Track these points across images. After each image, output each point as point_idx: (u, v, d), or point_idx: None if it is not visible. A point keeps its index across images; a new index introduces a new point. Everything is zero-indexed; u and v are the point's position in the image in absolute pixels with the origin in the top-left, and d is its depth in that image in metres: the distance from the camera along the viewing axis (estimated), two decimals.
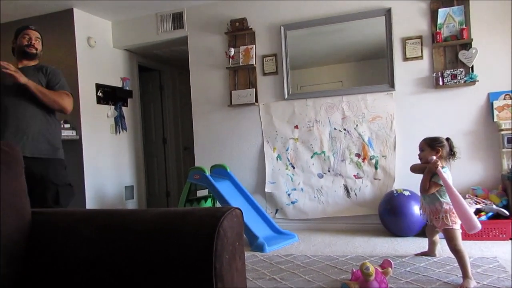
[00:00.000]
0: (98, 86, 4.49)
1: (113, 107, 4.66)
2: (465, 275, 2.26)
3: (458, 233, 2.38)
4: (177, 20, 4.48)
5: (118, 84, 4.79)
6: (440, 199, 2.43)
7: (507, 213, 3.14)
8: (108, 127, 4.62)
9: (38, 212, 1.22)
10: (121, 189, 4.75)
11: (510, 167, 3.32)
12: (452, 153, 2.50)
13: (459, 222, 2.39)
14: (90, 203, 4.26)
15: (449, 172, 2.44)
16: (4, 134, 2.55)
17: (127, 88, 4.87)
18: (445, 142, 2.50)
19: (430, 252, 2.80)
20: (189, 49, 4.47)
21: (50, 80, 2.72)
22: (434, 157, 2.43)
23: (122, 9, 4.40)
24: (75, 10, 4.24)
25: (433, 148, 2.49)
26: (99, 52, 4.55)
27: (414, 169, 2.63)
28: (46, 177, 2.63)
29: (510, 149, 3.34)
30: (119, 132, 4.75)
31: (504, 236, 3.11)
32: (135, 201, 4.96)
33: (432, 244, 2.78)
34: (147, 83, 5.66)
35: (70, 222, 1.17)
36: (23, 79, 2.51)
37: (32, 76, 2.64)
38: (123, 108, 4.81)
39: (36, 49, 2.76)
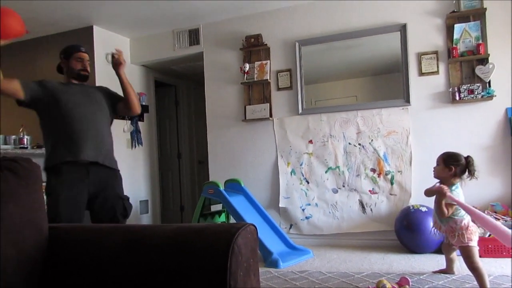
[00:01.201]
0: None
1: (129, 122, 4.73)
2: None
3: (475, 250, 2.34)
4: (194, 36, 4.57)
5: None
6: (455, 217, 2.40)
7: None
8: (124, 142, 4.68)
9: (55, 227, 1.24)
10: (136, 203, 4.78)
11: None
12: (469, 172, 2.43)
13: (475, 239, 2.36)
14: None
15: (460, 190, 2.41)
16: (86, 144, 2.63)
17: (144, 103, 4.94)
18: (462, 161, 2.44)
19: (448, 270, 2.73)
20: (204, 65, 4.54)
21: (112, 94, 2.93)
22: (438, 185, 2.40)
23: (140, 26, 4.51)
24: (95, 27, 4.36)
25: (447, 165, 2.45)
26: None
27: (428, 192, 2.57)
28: (114, 190, 2.75)
29: None
30: (135, 147, 4.81)
31: None
32: (149, 216, 4.98)
33: (449, 262, 2.72)
34: (163, 98, 5.73)
35: (87, 238, 1.18)
36: (123, 69, 2.84)
37: (92, 93, 2.81)
38: (139, 123, 4.88)
39: (88, 72, 2.85)
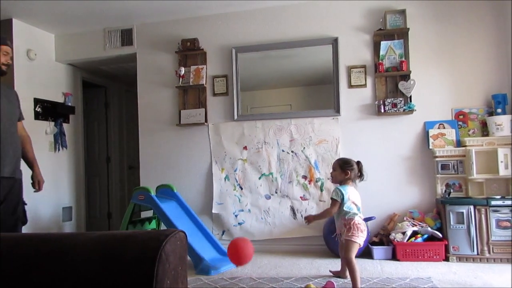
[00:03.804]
0: (37, 101, 4.25)
1: (53, 123, 4.43)
2: (354, 287, 2.49)
3: (355, 246, 2.60)
4: (126, 36, 4.40)
5: (60, 99, 4.57)
6: (345, 217, 2.65)
7: (441, 235, 3.32)
8: (46, 144, 4.36)
9: None
10: (58, 211, 4.47)
11: (443, 191, 3.54)
12: (360, 175, 2.76)
13: (361, 237, 2.61)
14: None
15: (351, 189, 2.70)
16: (6, 159, 2.55)
17: (69, 104, 4.66)
18: (355, 166, 2.74)
19: (341, 274, 2.91)
20: (137, 66, 4.39)
21: (19, 107, 2.76)
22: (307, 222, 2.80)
23: (67, 23, 4.25)
24: (14, 21, 4.03)
25: (343, 170, 2.73)
26: (40, 65, 4.33)
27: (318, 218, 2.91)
28: (19, 196, 2.67)
29: (443, 175, 3.56)
30: (59, 150, 4.50)
31: (437, 257, 3.27)
32: (73, 223, 4.68)
33: (344, 266, 2.86)
34: (91, 99, 5.44)
35: None
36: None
37: (7, 100, 2.60)
38: (64, 125, 4.58)
39: (8, 66, 2.63)
